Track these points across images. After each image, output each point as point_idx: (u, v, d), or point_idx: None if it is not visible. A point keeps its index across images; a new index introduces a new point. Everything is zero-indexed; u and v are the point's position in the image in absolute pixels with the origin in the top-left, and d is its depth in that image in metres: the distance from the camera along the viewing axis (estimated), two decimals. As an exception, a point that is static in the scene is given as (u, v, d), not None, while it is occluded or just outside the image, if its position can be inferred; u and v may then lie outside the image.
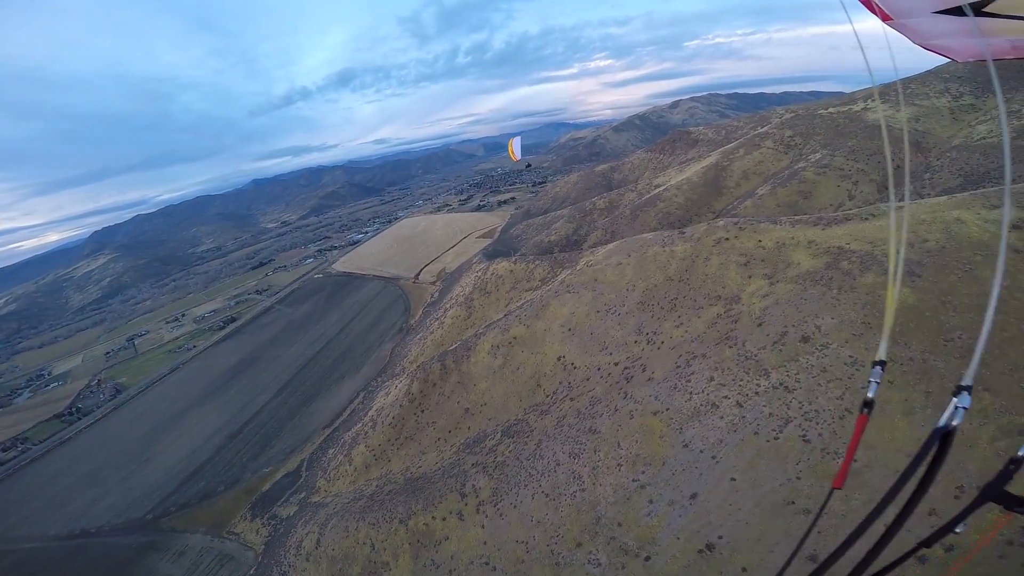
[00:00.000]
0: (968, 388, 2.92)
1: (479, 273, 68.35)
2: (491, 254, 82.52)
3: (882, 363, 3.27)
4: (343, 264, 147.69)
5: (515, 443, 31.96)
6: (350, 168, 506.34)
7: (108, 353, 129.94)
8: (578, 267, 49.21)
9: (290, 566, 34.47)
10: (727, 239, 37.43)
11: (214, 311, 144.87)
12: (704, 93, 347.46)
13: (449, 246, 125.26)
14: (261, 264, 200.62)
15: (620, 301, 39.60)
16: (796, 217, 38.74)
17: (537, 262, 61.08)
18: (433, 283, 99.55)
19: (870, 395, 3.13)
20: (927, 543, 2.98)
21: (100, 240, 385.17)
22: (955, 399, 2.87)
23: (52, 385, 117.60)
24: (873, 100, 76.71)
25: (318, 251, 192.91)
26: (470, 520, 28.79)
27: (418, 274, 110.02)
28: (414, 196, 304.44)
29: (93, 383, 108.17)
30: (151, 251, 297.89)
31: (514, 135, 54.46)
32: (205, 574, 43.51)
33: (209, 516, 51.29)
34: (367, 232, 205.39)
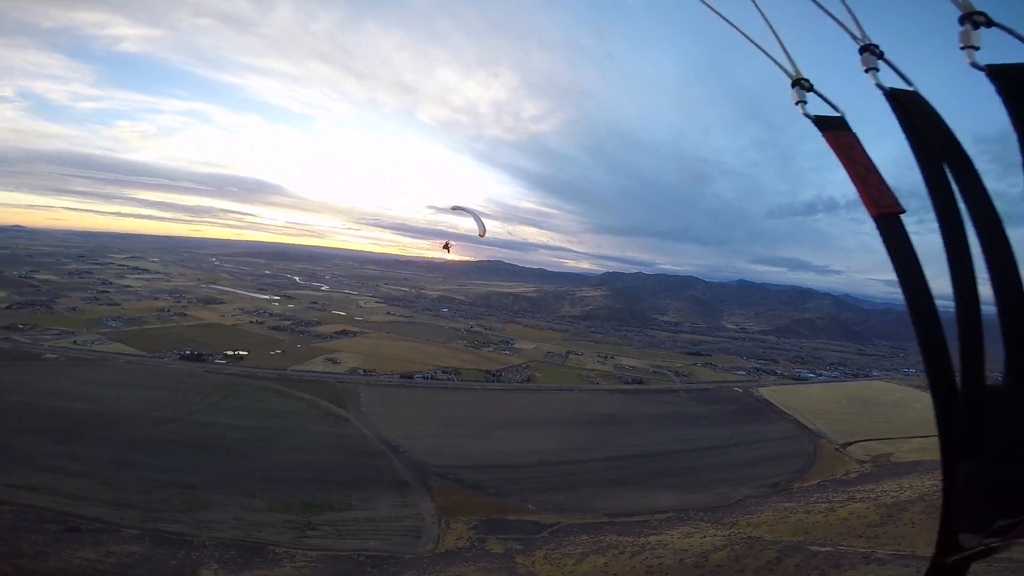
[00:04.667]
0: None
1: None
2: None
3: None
4: (771, 393, 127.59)
5: None
6: (842, 302, 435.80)
7: (549, 353, 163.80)
8: None
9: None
10: None
11: (633, 367, 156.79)
12: None
13: (918, 433, 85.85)
14: (698, 354, 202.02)
15: None
16: None
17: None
18: (862, 463, 70.04)
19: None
20: None
21: (606, 279, 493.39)
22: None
23: (506, 352, 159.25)
24: None
25: (755, 368, 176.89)
26: None
27: (849, 443, 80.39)
28: (906, 361, 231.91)
29: (522, 365, 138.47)
30: (628, 302, 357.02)
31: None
32: (382, 529, 46.43)
33: (456, 501, 53.64)
34: (821, 375, 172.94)
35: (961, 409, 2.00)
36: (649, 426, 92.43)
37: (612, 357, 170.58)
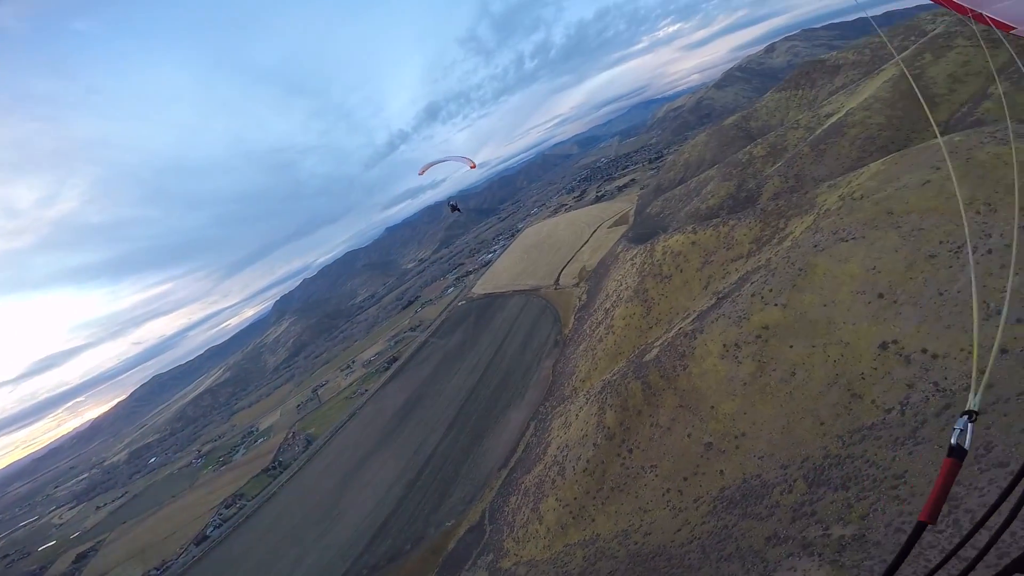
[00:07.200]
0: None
1: (641, 257, 59.07)
2: (636, 238, 73.19)
3: (971, 413, 3.30)
4: (481, 286, 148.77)
5: (848, 495, 20.03)
6: (462, 196, 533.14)
7: (299, 406, 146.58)
8: (829, 206, 35.61)
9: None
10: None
11: (378, 353, 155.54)
12: (797, 31, 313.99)
13: (581, 243, 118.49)
14: (409, 303, 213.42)
15: (971, 233, 25.64)
16: None
17: (733, 223, 48.77)
18: (576, 285, 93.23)
19: (953, 441, 3.12)
20: None
21: (281, 308, 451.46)
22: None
23: (260, 440, 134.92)
24: None
25: (456, 279, 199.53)
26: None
27: (557, 279, 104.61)
28: (528, 206, 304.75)
29: (289, 436, 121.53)
30: (319, 309, 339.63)
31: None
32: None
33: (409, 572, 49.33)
34: (495, 250, 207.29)
35: None
36: (441, 382, 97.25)
37: (353, 361, 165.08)
